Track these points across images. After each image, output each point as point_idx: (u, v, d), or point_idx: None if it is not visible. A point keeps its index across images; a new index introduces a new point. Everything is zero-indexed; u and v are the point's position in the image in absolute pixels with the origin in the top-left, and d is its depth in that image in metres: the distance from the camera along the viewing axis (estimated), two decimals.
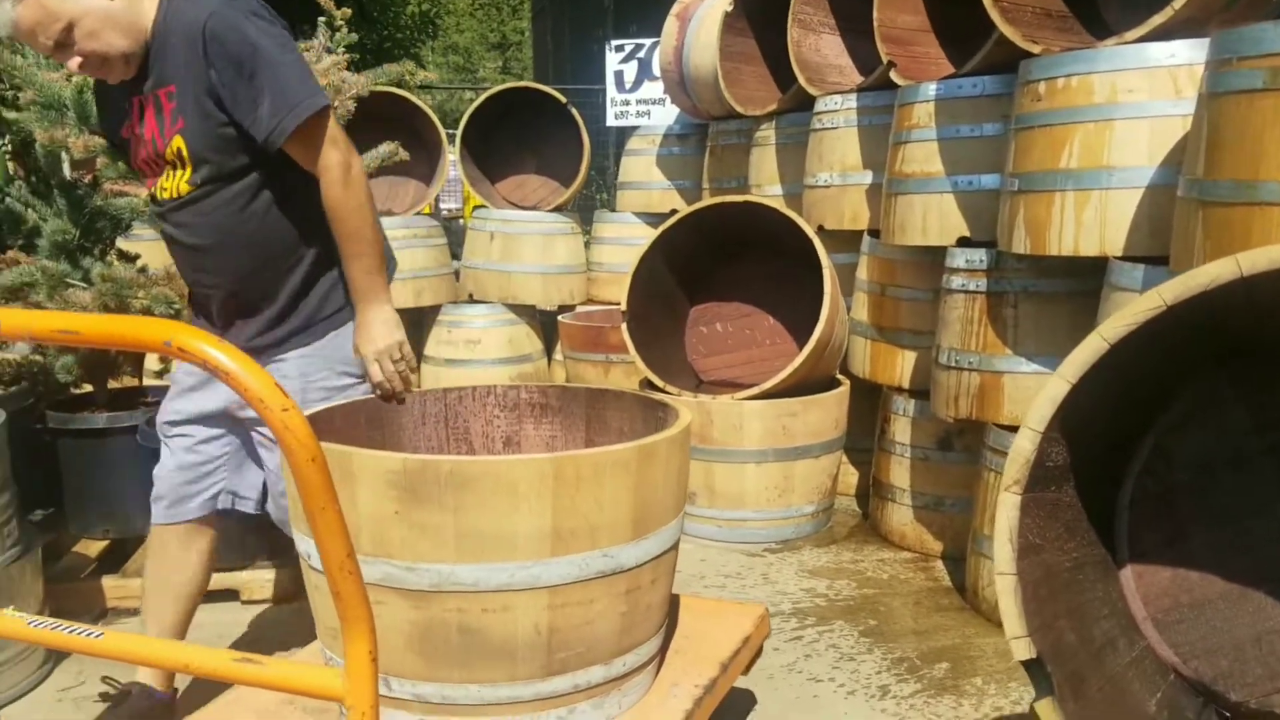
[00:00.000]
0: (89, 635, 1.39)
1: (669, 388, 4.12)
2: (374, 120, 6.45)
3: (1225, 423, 1.78)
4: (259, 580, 3.46)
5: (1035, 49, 3.20)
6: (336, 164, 2.17)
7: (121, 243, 4.12)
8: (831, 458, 4.20)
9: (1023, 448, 1.49)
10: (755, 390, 3.97)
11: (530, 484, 1.80)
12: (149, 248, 5.60)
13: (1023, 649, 1.44)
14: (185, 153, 2.20)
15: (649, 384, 4.22)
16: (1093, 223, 3.02)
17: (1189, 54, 2.90)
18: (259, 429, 2.45)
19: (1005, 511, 1.50)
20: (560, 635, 1.91)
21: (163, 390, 3.98)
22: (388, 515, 1.82)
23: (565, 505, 1.83)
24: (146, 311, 3.42)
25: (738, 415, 3.96)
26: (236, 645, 3.10)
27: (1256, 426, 1.76)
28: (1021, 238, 3.20)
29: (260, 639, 3.12)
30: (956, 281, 3.57)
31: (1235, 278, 1.40)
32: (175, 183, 2.25)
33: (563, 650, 1.92)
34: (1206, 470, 1.79)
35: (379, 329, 2.29)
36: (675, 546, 2.12)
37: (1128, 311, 1.43)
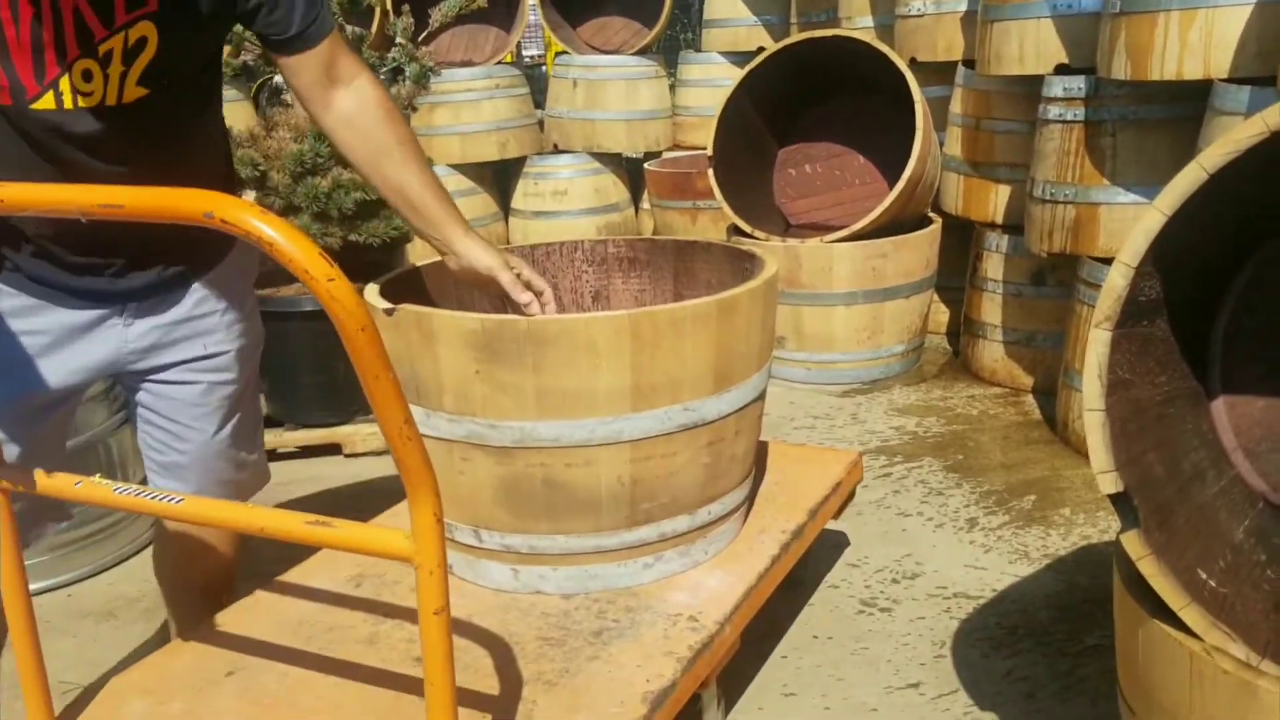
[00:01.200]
0: (169, 500, 1.45)
1: (756, 233, 4.10)
2: None
3: None
4: (361, 434, 3.63)
5: None
6: (366, 65, 1.78)
7: None
8: (922, 297, 4.17)
9: (1115, 283, 1.47)
10: (844, 232, 3.94)
11: (608, 341, 1.82)
12: (230, 110, 5.70)
13: (1109, 483, 1.46)
14: (153, 43, 1.59)
15: (736, 230, 4.21)
16: (1198, 44, 2.86)
17: None
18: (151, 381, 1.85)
19: (1095, 348, 1.50)
20: (644, 487, 1.97)
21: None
22: (469, 375, 1.87)
23: (645, 361, 1.85)
24: None
25: (827, 258, 3.94)
26: (339, 498, 3.28)
27: None
28: (1122, 63, 3.05)
29: (363, 491, 3.30)
30: (1053, 111, 3.44)
31: None
32: (109, 84, 1.59)
33: (647, 501, 1.98)
34: None
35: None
36: (761, 397, 2.16)
37: (1229, 138, 1.38)
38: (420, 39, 4.44)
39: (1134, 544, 1.45)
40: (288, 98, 3.88)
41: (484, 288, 1.94)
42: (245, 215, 1.15)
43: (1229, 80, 2.79)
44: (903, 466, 3.32)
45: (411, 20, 4.35)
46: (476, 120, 6.58)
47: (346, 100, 1.71)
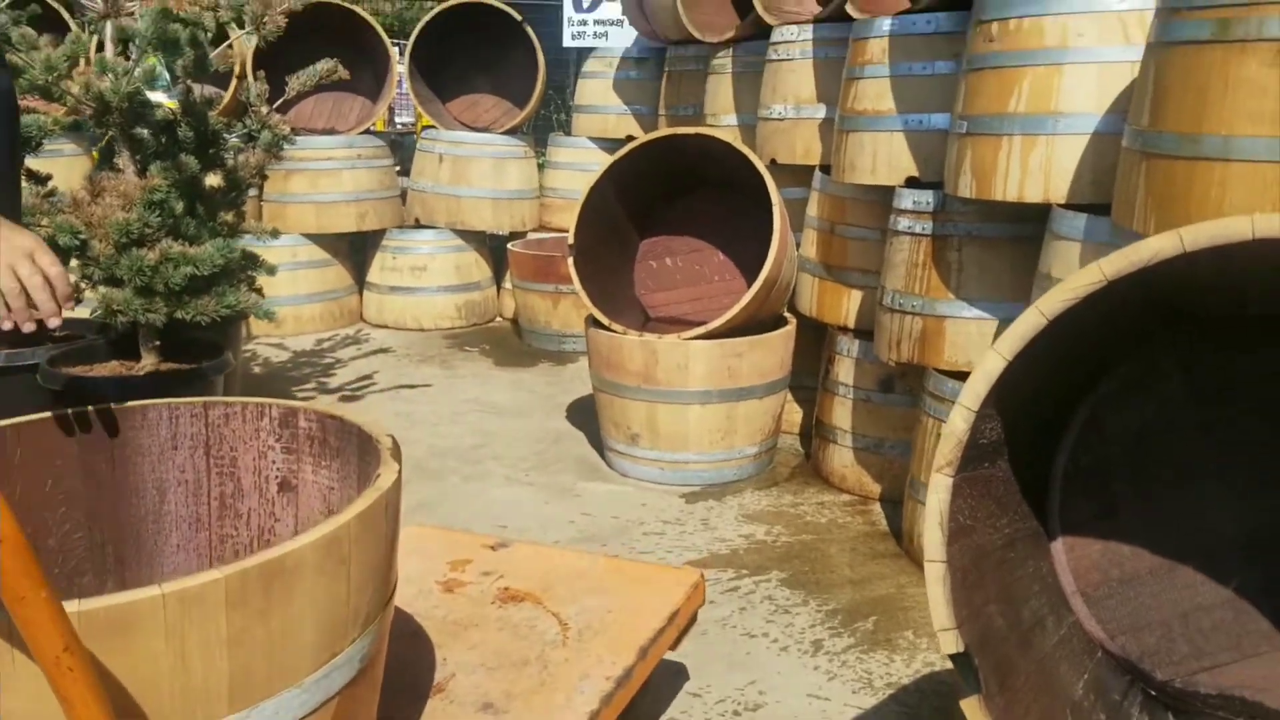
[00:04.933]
0: None
1: (615, 326, 4.02)
2: (320, 33, 6.23)
3: (1161, 394, 1.74)
4: None
5: None
6: None
7: (33, 162, 3.91)
8: (776, 398, 4.15)
9: (956, 428, 1.42)
10: (701, 330, 3.89)
11: None
12: (66, 165, 5.35)
13: (950, 642, 1.39)
14: None
15: (594, 321, 4.12)
16: (1038, 168, 2.94)
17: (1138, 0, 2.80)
18: None
19: (936, 494, 1.44)
20: None
21: (73, 325, 3.61)
22: None
23: None
24: (50, 240, 3.23)
25: (683, 355, 3.88)
26: None
27: (1193, 398, 1.71)
28: (968, 181, 3.12)
29: None
30: (903, 223, 3.49)
31: (1178, 253, 1.34)
32: None
33: None
34: (1141, 442, 1.75)
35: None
36: None
37: (1067, 285, 1.36)
38: (276, 105, 4.26)
39: (975, 712, 1.37)
40: (119, 162, 3.63)
41: None
42: None
43: (1067, 206, 2.87)
44: (751, 580, 3.23)
45: (266, 86, 4.18)
46: (335, 190, 6.38)
47: None
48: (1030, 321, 1.38)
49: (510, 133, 6.76)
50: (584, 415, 4.76)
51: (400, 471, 1.58)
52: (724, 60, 5.12)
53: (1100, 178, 2.86)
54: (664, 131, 4.19)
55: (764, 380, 4.03)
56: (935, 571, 1.41)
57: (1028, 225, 3.21)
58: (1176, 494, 1.74)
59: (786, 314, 4.32)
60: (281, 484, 1.94)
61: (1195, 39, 2.25)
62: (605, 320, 4.05)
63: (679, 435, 3.98)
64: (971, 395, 1.41)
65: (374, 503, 1.47)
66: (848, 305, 4.11)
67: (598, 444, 4.35)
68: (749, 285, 4.26)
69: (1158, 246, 1.34)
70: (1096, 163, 2.86)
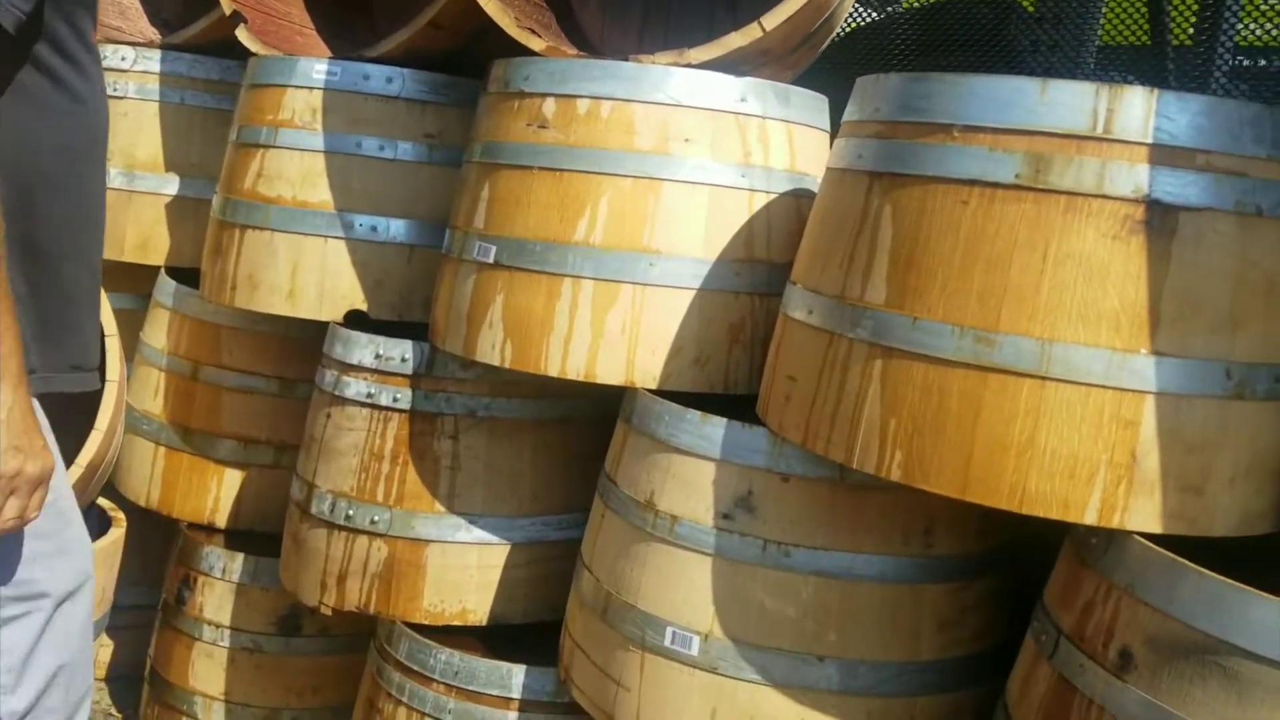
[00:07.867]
0: None
1: None
2: None
3: None
4: None
5: (538, 46, 2.02)
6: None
7: None
8: None
9: None
10: None
11: None
12: None
13: None
14: None
15: None
16: (619, 333, 1.93)
17: (761, 103, 1.98)
18: None
19: None
20: None
21: None
22: None
23: None
24: None
25: None
26: None
27: None
28: (496, 341, 1.98)
29: None
30: (355, 387, 2.20)
31: None
32: None
33: None
34: None
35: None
36: None
37: None
38: None
39: None
40: None
41: None
42: None
43: (660, 393, 1.89)
44: None
45: None
46: None
47: None
48: None
49: None
50: None
51: None
52: None
53: (706, 354, 1.94)
54: None
55: None
56: None
57: (568, 403, 2.17)
58: None
59: (104, 504, 2.65)
60: None
61: (984, 179, 1.44)
62: None
63: None
64: None
65: None
66: (218, 493, 2.64)
67: None
68: None
69: None
70: (703, 332, 1.93)
